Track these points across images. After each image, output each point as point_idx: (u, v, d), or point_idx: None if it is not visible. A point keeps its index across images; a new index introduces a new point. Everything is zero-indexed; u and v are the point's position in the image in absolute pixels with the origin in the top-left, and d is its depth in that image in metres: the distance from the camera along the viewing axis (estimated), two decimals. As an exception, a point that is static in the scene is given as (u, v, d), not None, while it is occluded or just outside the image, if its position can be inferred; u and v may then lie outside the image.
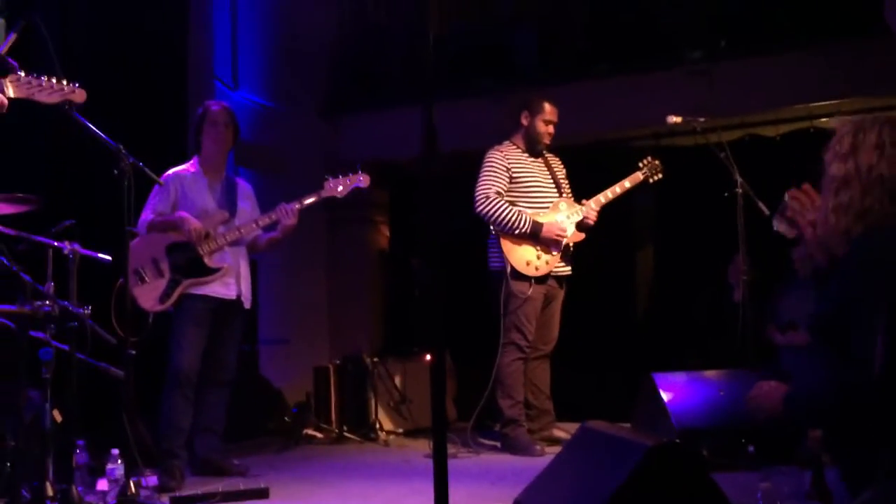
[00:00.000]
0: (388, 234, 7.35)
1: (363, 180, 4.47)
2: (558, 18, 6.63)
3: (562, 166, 5.10)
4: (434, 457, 1.95)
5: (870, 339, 1.93)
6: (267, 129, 6.49)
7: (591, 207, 4.92)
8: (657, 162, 5.09)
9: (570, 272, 4.97)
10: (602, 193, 4.97)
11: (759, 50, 5.82)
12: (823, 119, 5.96)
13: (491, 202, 4.78)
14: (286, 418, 5.62)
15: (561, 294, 4.96)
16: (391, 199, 7.30)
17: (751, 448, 3.83)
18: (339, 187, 4.42)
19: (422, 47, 2.02)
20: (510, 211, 4.77)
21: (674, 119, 4.89)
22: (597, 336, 6.33)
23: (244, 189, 4.51)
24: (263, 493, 3.69)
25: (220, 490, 3.62)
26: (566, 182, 5.07)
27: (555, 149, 5.17)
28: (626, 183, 5.01)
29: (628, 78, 6.09)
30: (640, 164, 5.08)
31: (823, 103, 5.82)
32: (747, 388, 4.17)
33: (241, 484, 3.83)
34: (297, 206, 4.30)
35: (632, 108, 6.02)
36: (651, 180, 5.08)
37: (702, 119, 4.92)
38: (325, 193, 4.41)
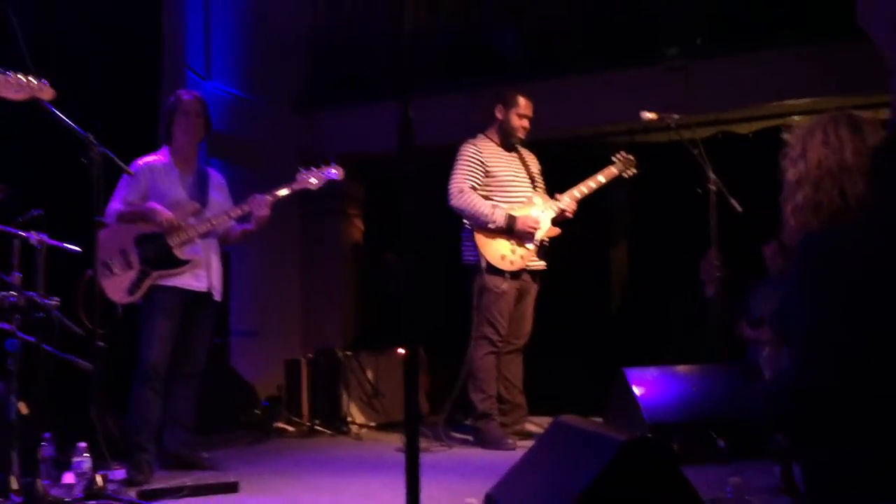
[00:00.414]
0: (362, 227, 7.32)
1: (337, 173, 4.43)
2: (538, 16, 6.64)
3: (536, 160, 5.10)
4: (406, 451, 1.94)
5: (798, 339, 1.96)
6: (240, 121, 6.43)
7: (569, 200, 4.92)
8: (631, 157, 5.11)
9: (544, 267, 4.97)
10: (576, 188, 4.97)
11: (734, 48, 5.87)
12: (796, 117, 6.01)
13: (464, 196, 4.76)
14: (257, 411, 5.58)
15: (535, 289, 4.96)
16: (366, 192, 7.27)
17: (721, 442, 3.87)
18: (312, 179, 4.38)
19: (400, 42, 2.00)
20: (484, 205, 4.76)
21: (649, 115, 4.91)
22: (571, 330, 6.36)
23: (216, 180, 4.46)
24: (233, 487, 3.65)
25: (189, 484, 3.58)
26: (540, 176, 5.07)
27: (531, 143, 5.17)
28: (601, 177, 5.01)
29: (605, 74, 6.12)
30: (614, 159, 5.09)
31: (796, 102, 5.88)
32: (718, 383, 4.24)
33: (210, 478, 3.80)
34: (271, 197, 4.26)
35: (608, 104, 6.05)
36: (625, 175, 5.10)
37: (676, 116, 4.94)
38: (298, 185, 4.36)
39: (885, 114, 5.90)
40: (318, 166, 4.42)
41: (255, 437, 5.19)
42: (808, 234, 2.06)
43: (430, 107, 5.42)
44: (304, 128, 6.98)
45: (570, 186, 5.01)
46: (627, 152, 5.20)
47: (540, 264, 4.94)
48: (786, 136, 2.28)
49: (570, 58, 6.35)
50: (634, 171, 5.11)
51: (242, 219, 4.33)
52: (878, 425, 1.71)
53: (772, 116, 6.08)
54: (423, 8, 6.63)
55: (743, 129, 6.19)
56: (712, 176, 4.71)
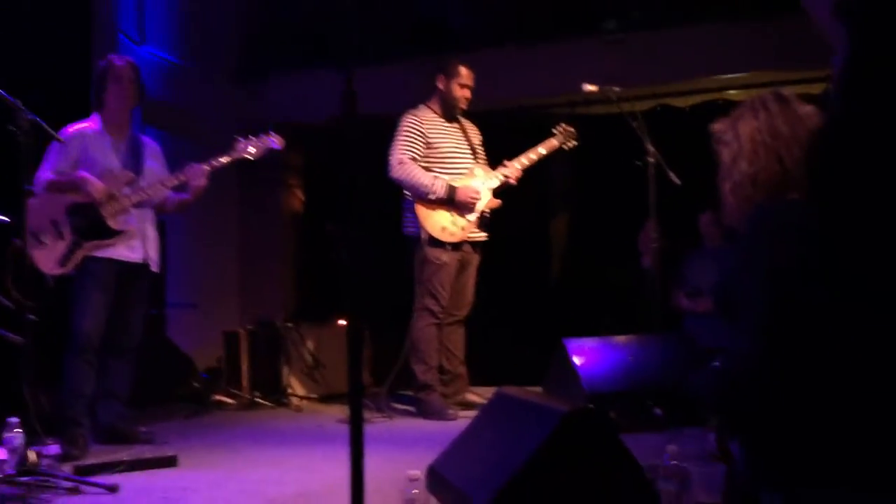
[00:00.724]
0: (302, 197, 7.24)
1: (276, 142, 4.36)
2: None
3: (477, 132, 5.09)
4: (350, 422, 1.92)
5: (749, 315, 1.99)
6: (176, 88, 6.27)
7: (514, 167, 4.93)
8: (571, 129, 5.13)
9: (485, 238, 4.98)
10: (517, 159, 4.98)
11: (671, 22, 5.92)
12: (732, 91, 6.12)
13: (405, 167, 4.73)
14: (195, 384, 5.51)
15: (476, 260, 4.98)
16: (306, 162, 7.18)
17: (657, 411, 3.95)
18: (251, 148, 4.29)
19: (344, 10, 1.96)
20: (424, 176, 4.74)
21: (589, 88, 4.93)
22: (511, 301, 6.41)
23: (151, 148, 4.34)
24: (171, 461, 3.60)
25: (126, 458, 3.52)
26: (481, 148, 5.06)
27: (473, 114, 5.16)
28: (541, 149, 5.03)
29: (547, 46, 6.12)
30: (555, 131, 5.11)
31: (732, 76, 5.98)
32: (655, 352, 4.32)
33: (147, 452, 3.74)
34: (208, 167, 4.17)
35: (549, 76, 6.06)
36: (565, 146, 5.12)
37: (616, 88, 4.98)
38: (236, 154, 4.27)
39: (817, 88, 6.06)
40: (256, 135, 4.34)
41: (193, 410, 5.13)
42: (758, 208, 2.09)
43: (373, 76, 5.36)
44: (243, 96, 6.84)
45: (511, 157, 5.01)
46: (568, 124, 5.22)
47: (481, 235, 4.95)
48: (715, 125, 2.33)
49: (511, 29, 6.34)
50: (574, 142, 5.14)
51: (179, 188, 4.24)
52: (831, 406, 1.72)
53: (708, 90, 6.18)
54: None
55: (681, 102, 6.28)
56: (651, 148, 4.77)
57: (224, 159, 4.24)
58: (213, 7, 6.65)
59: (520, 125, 6.11)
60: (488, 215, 4.94)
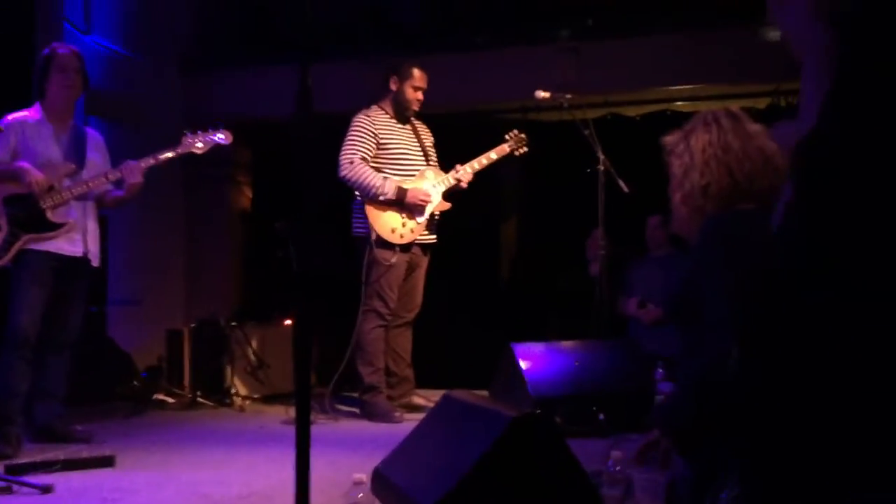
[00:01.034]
0: (250, 194, 7.14)
1: (225, 137, 4.29)
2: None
3: (429, 133, 5.08)
4: (297, 423, 1.89)
5: (718, 325, 2.02)
6: (123, 78, 6.13)
7: (466, 171, 4.92)
8: (523, 135, 5.15)
9: (434, 240, 4.97)
10: (469, 163, 4.98)
11: (623, 32, 6.00)
12: (680, 103, 6.22)
13: (355, 167, 4.70)
14: (135, 383, 5.39)
15: (425, 262, 4.96)
16: (254, 158, 7.09)
17: (602, 416, 3.99)
18: (198, 143, 4.22)
19: (301, 5, 1.93)
20: (374, 177, 4.71)
21: (542, 94, 4.97)
22: (460, 304, 6.41)
23: (94, 139, 4.24)
24: (109, 461, 3.51)
25: (62, 458, 3.42)
26: (433, 150, 5.05)
27: (426, 116, 5.15)
28: (493, 154, 5.04)
29: (501, 51, 6.15)
30: (507, 137, 5.12)
31: (681, 87, 6.08)
32: (601, 358, 4.36)
33: (84, 451, 3.64)
34: (144, 164, 4.08)
35: (503, 81, 6.09)
36: (516, 153, 5.14)
37: (568, 96, 5.02)
38: (182, 149, 4.20)
39: (763, 103, 6.18)
40: (205, 129, 4.27)
41: (132, 409, 5.01)
42: (712, 218, 2.13)
43: (327, 73, 5.32)
44: (192, 88, 6.73)
45: (464, 161, 5.01)
46: (520, 130, 5.25)
47: (430, 237, 4.94)
48: (667, 138, 2.37)
49: (467, 33, 6.35)
50: (525, 149, 5.16)
51: (116, 184, 4.15)
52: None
53: (658, 101, 6.27)
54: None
55: (631, 111, 6.36)
56: (601, 156, 4.82)
57: (169, 154, 4.17)
58: (163, -3, 6.53)
59: (473, 129, 6.11)
60: (438, 218, 4.94)
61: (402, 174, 4.82)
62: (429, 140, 5.04)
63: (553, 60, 6.05)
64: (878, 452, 0.63)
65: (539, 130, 6.45)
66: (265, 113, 6.27)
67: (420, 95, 4.89)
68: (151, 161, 4.10)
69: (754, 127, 2.26)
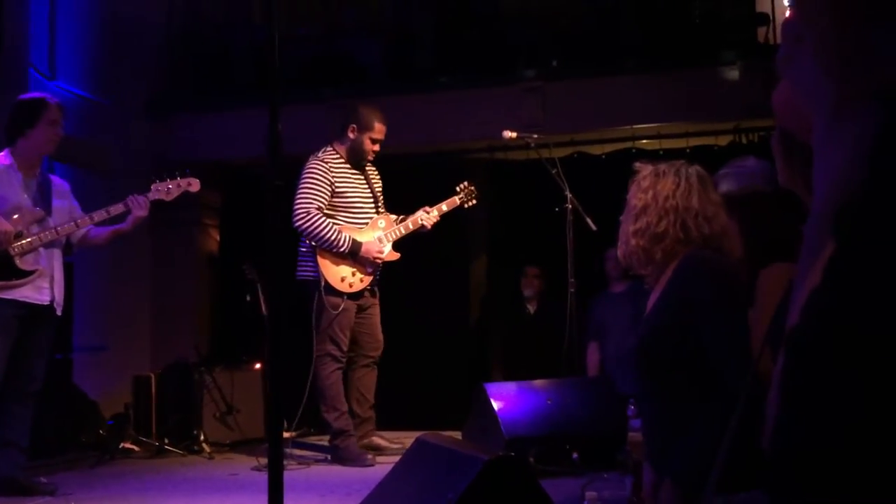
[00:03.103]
0: (218, 238, 7.10)
1: (193, 185, 4.29)
2: (403, 31, 6.69)
3: (379, 178, 5.01)
4: (269, 469, 1.87)
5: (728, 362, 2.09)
6: (89, 124, 6.10)
7: (429, 218, 4.91)
8: (472, 188, 5.11)
9: (378, 280, 4.91)
10: (426, 211, 4.94)
11: (587, 72, 6.11)
12: (644, 140, 6.33)
13: (311, 218, 4.64)
14: (101, 431, 5.28)
15: (376, 300, 4.92)
16: (223, 201, 7.06)
17: (575, 455, 3.98)
18: (167, 191, 4.22)
19: (268, 50, 1.94)
20: (331, 229, 4.66)
21: (509, 134, 5.01)
22: (430, 345, 6.39)
23: (59, 187, 4.21)
24: (74, 514, 3.43)
25: (25, 512, 3.34)
26: (381, 195, 5.01)
27: (392, 157, 5.15)
28: (444, 206, 5.03)
29: (468, 92, 6.23)
30: (458, 189, 5.08)
31: (645, 126, 6.19)
32: (574, 396, 4.36)
33: (48, 504, 3.55)
34: (148, 199, 4.11)
35: (469, 121, 6.15)
36: (466, 205, 5.12)
37: (535, 135, 5.07)
38: (152, 196, 4.20)
39: (724, 140, 6.29)
40: (173, 176, 4.26)
41: (98, 458, 4.90)
42: (694, 258, 2.21)
43: (290, 116, 5.33)
44: (158, 133, 6.71)
45: (431, 202, 4.99)
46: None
47: (375, 281, 4.89)
48: (637, 164, 2.44)
49: (431, 73, 6.43)
50: (475, 201, 5.13)
51: (116, 219, 4.15)
52: None
53: (623, 139, 6.37)
54: (283, 15, 6.52)
55: (597, 150, 6.45)
56: (569, 194, 4.86)
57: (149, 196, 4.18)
58: (127, 43, 6.52)
59: (440, 170, 6.15)
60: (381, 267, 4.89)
61: (355, 222, 4.78)
62: (378, 185, 4.99)
63: (519, 100, 6.13)
64: None
65: (506, 170, 6.52)
66: (232, 156, 6.27)
67: (377, 148, 4.82)
68: (149, 199, 4.11)
69: (717, 197, 2.37)
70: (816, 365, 0.71)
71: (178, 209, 5.57)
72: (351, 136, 4.80)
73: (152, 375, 5.62)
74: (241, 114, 5.94)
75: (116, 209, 4.09)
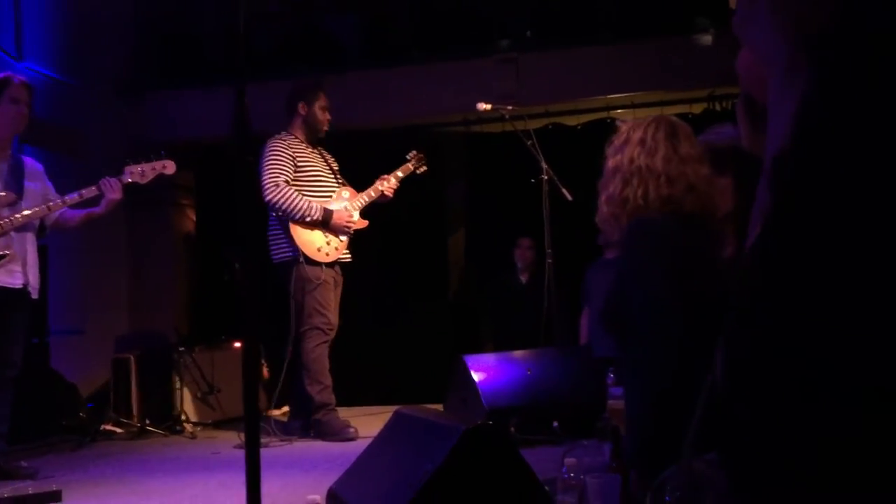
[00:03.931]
0: (194, 217, 7.05)
1: (168, 167, 4.26)
2: (377, 5, 6.62)
3: (333, 159, 5.08)
4: (246, 447, 1.87)
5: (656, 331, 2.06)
6: (58, 105, 6.01)
7: (389, 184, 4.95)
8: (422, 155, 5.16)
9: (350, 259, 4.95)
10: (392, 176, 5.00)
11: (561, 43, 6.09)
12: (619, 110, 6.33)
13: (281, 190, 4.68)
14: (82, 414, 5.26)
15: (341, 281, 4.95)
16: (197, 180, 7.00)
17: (555, 424, 4.01)
18: (141, 173, 4.19)
19: (236, 26, 1.92)
20: (301, 199, 4.71)
21: (483, 106, 5.01)
22: (410, 319, 6.40)
23: (31, 168, 4.15)
24: (56, 496, 3.41)
25: (7, 495, 3.32)
26: (338, 171, 5.06)
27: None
28: (399, 173, 5.07)
29: (443, 65, 6.19)
30: (408, 157, 5.13)
31: (619, 95, 6.18)
32: (552, 366, 4.39)
33: (30, 487, 3.53)
34: (122, 181, 4.07)
35: (445, 94, 6.12)
36: (418, 171, 5.16)
37: (509, 107, 5.06)
38: (126, 179, 4.16)
39: (698, 108, 6.30)
40: (147, 158, 4.22)
41: (79, 441, 4.89)
42: (631, 226, 2.18)
43: (264, 93, 5.28)
44: (131, 113, 6.63)
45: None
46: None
47: (347, 257, 4.93)
48: (619, 122, 2.42)
49: (405, 47, 6.38)
50: (425, 168, 5.18)
51: (91, 202, 4.10)
52: None
53: (597, 109, 6.37)
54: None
55: (572, 121, 6.44)
56: (545, 166, 4.87)
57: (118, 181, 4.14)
58: (97, 22, 6.42)
59: (415, 143, 6.13)
60: (352, 236, 4.93)
61: (319, 195, 4.83)
62: (334, 162, 5.07)
63: (493, 72, 6.10)
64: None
65: (482, 142, 6.51)
66: (206, 134, 6.20)
67: (329, 115, 4.91)
68: (122, 181, 4.06)
69: (690, 150, 2.31)
70: (753, 305, 0.72)
71: (153, 190, 5.52)
72: (302, 112, 4.88)
73: (132, 357, 5.59)
74: (214, 92, 5.87)
75: (90, 192, 4.05)
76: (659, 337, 2.03)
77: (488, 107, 5.01)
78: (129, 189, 4.65)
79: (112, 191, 4.06)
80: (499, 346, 4.85)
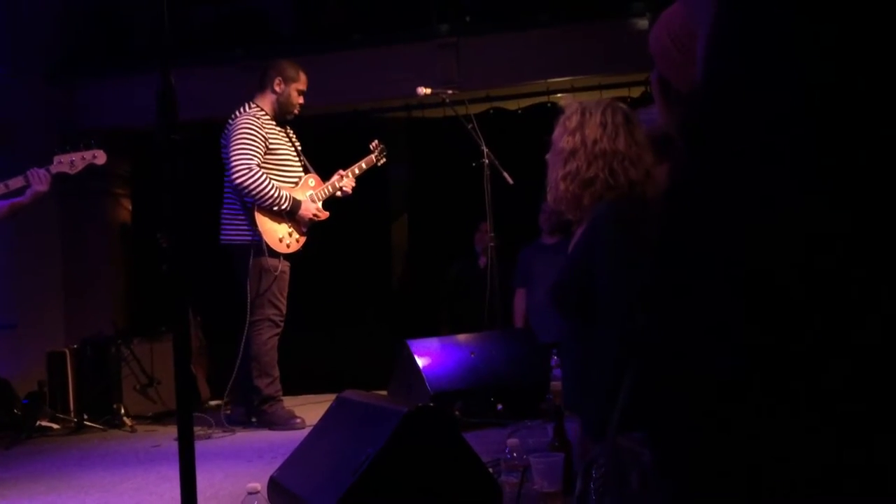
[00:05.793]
0: (129, 206, 6.89)
1: (99, 157, 4.14)
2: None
3: (296, 138, 4.99)
4: (179, 439, 1.84)
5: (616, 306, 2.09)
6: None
7: (349, 179, 4.89)
8: (382, 145, 5.12)
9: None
10: (350, 170, 4.94)
11: (500, 27, 6.09)
12: (559, 95, 6.36)
13: (254, 175, 4.54)
14: (16, 410, 5.11)
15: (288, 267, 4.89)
16: (133, 169, 6.84)
17: (500, 406, 4.03)
18: (71, 164, 4.06)
19: (160, 10, 1.87)
20: (272, 186, 4.59)
21: (423, 91, 4.98)
22: (353, 306, 6.36)
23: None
24: (-11, 495, 3.32)
25: (-65, 496, 3.22)
26: (302, 154, 4.98)
27: (307, 118, 5.07)
28: (363, 165, 5.01)
29: (381, 49, 6.14)
30: (371, 147, 5.08)
31: (560, 79, 6.21)
32: (496, 349, 4.41)
33: (-39, 487, 3.43)
34: (49, 173, 3.94)
35: (385, 79, 6.07)
36: (379, 163, 5.12)
37: (450, 91, 5.05)
38: (55, 169, 4.03)
39: (637, 91, 6.37)
40: (77, 147, 4.10)
41: (13, 438, 4.75)
42: (606, 205, 2.20)
43: (201, 77, 5.19)
44: (62, 101, 6.43)
45: (347, 163, 4.96)
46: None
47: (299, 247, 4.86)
48: (563, 102, 2.43)
49: (343, 31, 6.31)
50: (385, 159, 5.13)
51: (13, 193, 3.96)
52: None
53: (538, 94, 6.39)
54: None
55: (512, 105, 6.46)
56: (485, 150, 4.87)
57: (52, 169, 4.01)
58: (22, 8, 6.21)
59: (355, 129, 6.08)
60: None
61: (286, 180, 4.74)
62: (298, 144, 4.96)
63: (433, 57, 6.08)
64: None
65: (424, 127, 6.49)
66: (140, 122, 6.04)
67: (302, 100, 4.81)
68: (50, 173, 3.95)
69: (642, 137, 2.35)
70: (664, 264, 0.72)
71: (86, 179, 5.37)
72: (278, 89, 4.74)
73: (67, 351, 5.45)
74: (146, 78, 5.71)
75: (16, 183, 3.91)
76: (625, 308, 2.06)
77: (428, 91, 4.98)
78: (61, 179, 4.52)
79: (39, 182, 3.93)
80: (455, 330, 4.84)
